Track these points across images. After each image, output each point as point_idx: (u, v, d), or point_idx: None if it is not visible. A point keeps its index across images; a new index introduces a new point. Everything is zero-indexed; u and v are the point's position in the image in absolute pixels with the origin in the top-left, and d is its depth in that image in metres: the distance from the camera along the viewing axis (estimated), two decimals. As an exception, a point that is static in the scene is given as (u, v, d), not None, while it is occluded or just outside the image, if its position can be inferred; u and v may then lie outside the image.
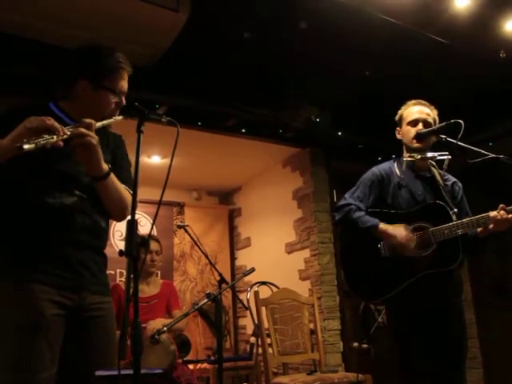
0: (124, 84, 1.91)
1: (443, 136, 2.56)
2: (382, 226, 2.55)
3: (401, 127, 2.75)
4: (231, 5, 3.59)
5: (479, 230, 2.46)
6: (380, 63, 4.28)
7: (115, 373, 1.35)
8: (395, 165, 2.75)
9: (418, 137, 2.63)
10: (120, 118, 1.87)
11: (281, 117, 4.89)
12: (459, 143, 2.49)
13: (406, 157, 2.69)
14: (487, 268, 5.37)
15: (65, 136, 1.56)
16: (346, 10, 3.56)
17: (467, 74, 4.34)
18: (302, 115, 4.98)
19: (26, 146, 1.44)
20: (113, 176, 1.79)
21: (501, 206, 2.38)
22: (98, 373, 1.46)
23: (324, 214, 5.27)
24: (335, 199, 5.39)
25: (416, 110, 2.69)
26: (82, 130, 1.63)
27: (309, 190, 5.42)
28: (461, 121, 2.47)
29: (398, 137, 2.78)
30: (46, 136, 1.50)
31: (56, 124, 1.55)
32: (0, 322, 1.66)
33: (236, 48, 4.05)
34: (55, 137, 1.52)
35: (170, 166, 1.60)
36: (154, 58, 4.01)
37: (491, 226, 2.39)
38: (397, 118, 2.80)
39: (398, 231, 2.50)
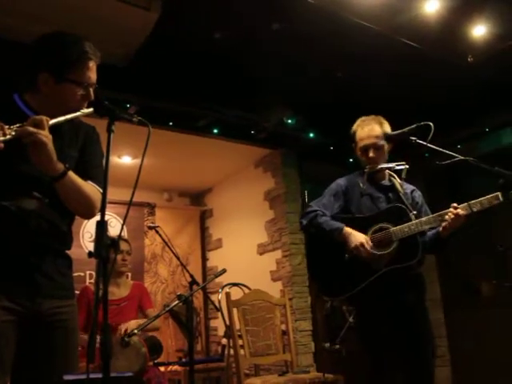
0: (91, 75, 1.78)
1: (413, 138, 2.64)
2: (346, 229, 2.70)
3: (355, 146, 2.88)
4: (203, 4, 3.58)
5: (440, 230, 2.58)
6: (352, 65, 4.33)
7: (84, 377, 1.32)
8: (358, 176, 2.91)
9: (387, 138, 2.75)
10: (89, 110, 1.74)
11: (252, 117, 4.90)
12: (429, 145, 2.55)
13: (367, 168, 2.81)
14: (455, 268, 5.46)
15: (8, 137, 1.46)
16: (319, 12, 3.58)
17: (438, 77, 4.42)
18: (274, 116, 5.00)
19: None
20: (71, 175, 1.68)
21: (452, 204, 2.53)
22: (66, 377, 1.42)
23: (296, 215, 5.29)
24: (307, 200, 5.41)
25: (365, 135, 2.81)
26: (29, 128, 1.52)
27: (280, 191, 5.44)
28: (430, 123, 2.53)
29: (356, 153, 2.90)
30: None
31: None
32: None
33: (207, 48, 4.04)
34: None
35: (141, 166, 1.56)
36: (126, 57, 3.98)
37: (446, 223, 2.52)
38: (351, 133, 2.92)
39: (358, 236, 2.66)
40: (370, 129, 2.80)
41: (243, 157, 5.72)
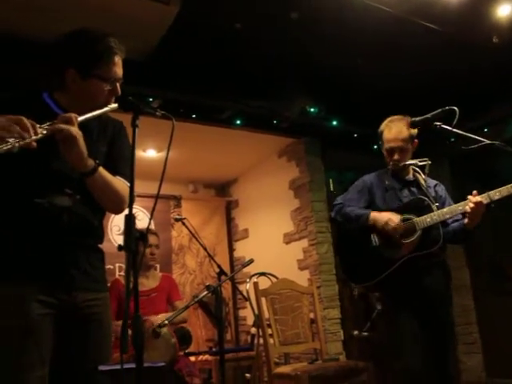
0: (117, 70, 1.79)
1: (438, 123, 2.61)
2: (373, 213, 2.87)
3: (382, 145, 3.00)
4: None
5: (465, 222, 2.68)
6: (373, 52, 4.27)
7: (118, 367, 1.35)
8: (383, 173, 3.05)
9: (412, 124, 2.77)
10: (115, 106, 1.76)
11: (275, 107, 4.89)
12: (454, 130, 2.52)
13: (391, 165, 2.95)
14: (485, 253, 5.39)
15: (39, 135, 1.49)
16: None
17: (461, 60, 4.34)
18: (296, 105, 4.98)
19: None
20: (101, 171, 1.71)
21: (473, 192, 2.63)
22: (101, 367, 1.46)
23: (321, 204, 5.28)
24: (332, 188, 5.40)
25: (392, 138, 2.90)
26: (60, 125, 1.55)
27: (305, 180, 5.42)
28: (455, 107, 2.49)
29: (382, 149, 3.02)
30: (11, 141, 1.42)
31: (25, 124, 1.47)
32: None
33: (228, 38, 4.03)
34: (26, 139, 1.44)
35: (166, 159, 1.57)
36: (146, 52, 4.00)
37: (469, 211, 2.61)
38: (378, 132, 3.01)
39: (384, 214, 2.84)
40: (398, 131, 2.88)
41: (267, 147, 5.72)
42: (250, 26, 3.91)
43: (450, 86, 4.54)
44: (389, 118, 2.98)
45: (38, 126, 1.52)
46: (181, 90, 4.33)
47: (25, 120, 1.48)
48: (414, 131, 2.89)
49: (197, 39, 3.99)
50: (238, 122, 4.87)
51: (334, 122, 5.27)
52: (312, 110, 5.04)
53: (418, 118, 2.68)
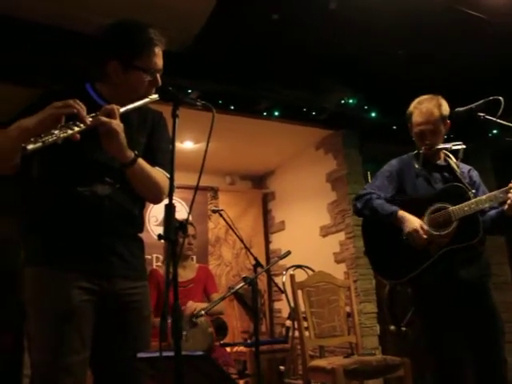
0: (158, 61, 1.81)
1: (481, 114, 2.53)
2: (401, 213, 2.63)
3: (411, 128, 2.79)
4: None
5: (506, 208, 2.45)
6: (413, 41, 4.19)
7: (157, 354, 1.36)
8: (412, 157, 2.83)
9: (455, 115, 2.62)
10: (155, 97, 1.78)
11: (313, 99, 4.85)
12: (498, 120, 2.44)
13: (422, 149, 2.73)
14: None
15: (83, 127, 1.52)
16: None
17: (505, 50, 4.21)
18: (335, 96, 4.93)
19: (29, 147, 1.40)
20: (141, 162, 1.73)
21: None
22: (140, 355, 1.48)
23: (359, 197, 5.22)
24: (369, 181, 5.32)
25: (422, 120, 2.69)
26: (102, 118, 1.59)
27: (342, 173, 5.37)
28: (500, 97, 2.42)
29: (411, 133, 2.81)
30: (56, 132, 1.46)
31: (78, 111, 1.52)
32: (30, 305, 1.71)
33: (267, 30, 4.02)
34: (69, 131, 1.48)
35: (206, 150, 1.55)
36: (185, 43, 4.01)
37: (510, 200, 2.41)
38: (407, 114, 2.81)
39: (412, 221, 2.58)
40: (428, 113, 2.67)
41: (304, 139, 5.68)
42: (289, 16, 3.88)
43: (493, 74, 4.41)
44: (417, 99, 2.77)
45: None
46: (219, 80, 4.33)
47: (78, 105, 1.53)
48: (446, 111, 2.69)
49: (235, 29, 3.99)
50: (276, 113, 4.86)
51: (373, 114, 5.19)
52: (351, 101, 4.98)
53: (461, 109, 2.57)
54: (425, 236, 2.54)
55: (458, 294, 2.58)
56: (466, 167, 2.81)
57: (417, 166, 2.75)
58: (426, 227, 2.56)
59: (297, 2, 3.74)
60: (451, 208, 2.56)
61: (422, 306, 2.76)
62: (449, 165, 2.77)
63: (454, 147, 2.70)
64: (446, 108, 2.71)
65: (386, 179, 2.81)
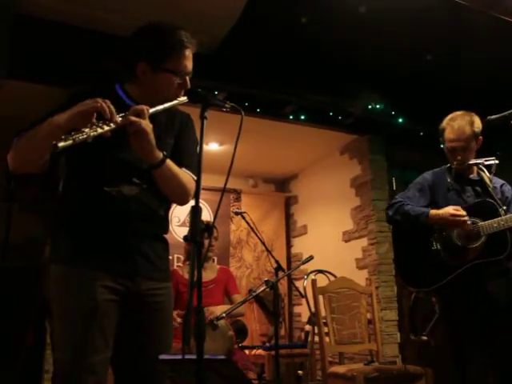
0: (188, 64, 1.80)
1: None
2: (433, 211, 2.70)
3: (443, 142, 2.84)
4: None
5: None
6: (443, 48, 4.14)
7: (179, 357, 1.35)
8: (445, 171, 2.89)
9: (487, 122, 2.61)
10: (184, 98, 1.78)
11: (339, 103, 4.82)
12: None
13: (454, 165, 2.80)
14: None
15: (112, 126, 1.52)
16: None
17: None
18: (361, 101, 4.90)
19: (60, 144, 1.41)
20: (169, 163, 1.72)
21: None
22: (162, 357, 1.47)
23: (383, 203, 5.16)
24: (394, 188, 5.27)
25: (454, 137, 2.74)
26: (132, 118, 1.59)
27: (367, 178, 5.33)
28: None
29: (443, 147, 2.86)
30: (87, 130, 1.47)
31: (106, 108, 1.52)
32: (55, 303, 1.72)
33: (294, 34, 4.01)
34: (99, 129, 1.49)
35: (234, 153, 1.56)
36: (213, 46, 4.03)
37: None
38: (439, 129, 2.85)
39: (445, 209, 2.65)
40: (460, 130, 2.72)
41: (328, 143, 5.65)
42: (316, 20, 3.87)
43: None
44: (450, 115, 2.81)
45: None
46: (245, 83, 4.34)
47: (106, 104, 1.53)
48: (479, 128, 2.73)
49: (261, 33, 3.99)
50: (302, 117, 4.84)
51: (400, 120, 5.14)
52: (377, 106, 4.94)
53: (493, 116, 2.53)
54: (465, 217, 2.59)
55: (484, 308, 2.60)
56: (498, 182, 2.83)
57: (449, 180, 2.82)
58: (461, 209, 2.61)
59: (324, 6, 3.73)
60: (481, 223, 2.62)
61: (447, 316, 2.80)
62: (481, 179, 2.80)
63: (487, 162, 2.73)
64: (478, 125, 2.75)
65: (418, 192, 2.87)
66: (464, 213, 2.61)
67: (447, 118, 2.81)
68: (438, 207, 2.76)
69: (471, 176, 2.84)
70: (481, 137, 2.76)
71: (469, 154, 2.74)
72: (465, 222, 2.60)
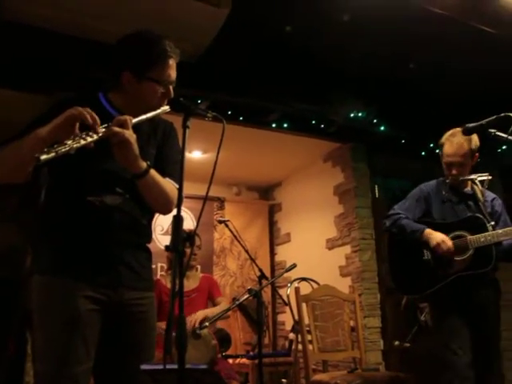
0: (171, 73, 1.81)
1: (492, 130, 2.54)
2: (427, 230, 2.91)
3: (441, 157, 3.03)
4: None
5: None
6: (425, 56, 4.19)
7: (160, 367, 1.35)
8: (441, 183, 3.09)
9: (465, 131, 2.67)
10: (167, 108, 1.78)
11: (323, 112, 4.85)
12: (510, 137, 2.43)
13: (449, 179, 3.00)
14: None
15: (95, 137, 1.52)
16: (389, 2, 3.50)
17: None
18: (344, 110, 4.93)
19: (43, 157, 1.40)
20: (152, 173, 1.72)
21: None
22: (143, 366, 1.46)
23: (366, 210, 5.20)
24: (377, 195, 5.30)
25: (452, 153, 2.93)
26: (115, 129, 1.58)
27: (350, 186, 5.35)
28: (511, 114, 2.41)
29: (441, 161, 3.06)
30: (69, 142, 1.46)
31: (87, 115, 1.51)
32: (37, 313, 1.70)
33: (277, 42, 4.03)
34: (82, 141, 1.48)
35: (216, 161, 1.57)
36: (196, 54, 4.03)
37: None
38: (439, 144, 3.06)
39: (438, 234, 2.87)
40: (458, 147, 2.90)
41: (312, 151, 5.67)
42: (300, 29, 3.90)
43: (503, 90, 4.40)
44: (451, 131, 2.98)
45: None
46: (228, 91, 4.34)
47: (88, 110, 1.53)
48: (476, 145, 2.90)
49: (245, 41, 4.00)
50: (285, 125, 4.85)
51: (382, 128, 5.18)
52: (360, 114, 4.98)
53: (471, 125, 2.58)
54: (451, 246, 2.80)
55: (474, 316, 2.81)
56: (490, 196, 3.02)
57: (444, 193, 3.02)
58: (450, 241, 2.83)
59: (308, 15, 3.75)
60: (469, 237, 2.82)
61: (435, 317, 3.03)
62: (474, 193, 2.97)
63: (480, 178, 2.92)
64: (476, 143, 2.92)
65: (415, 202, 3.08)
66: (450, 245, 2.81)
67: (447, 134, 2.99)
68: (432, 218, 3.00)
69: (465, 190, 3.02)
70: (477, 154, 2.93)
71: (464, 169, 2.92)
72: (450, 249, 2.81)
